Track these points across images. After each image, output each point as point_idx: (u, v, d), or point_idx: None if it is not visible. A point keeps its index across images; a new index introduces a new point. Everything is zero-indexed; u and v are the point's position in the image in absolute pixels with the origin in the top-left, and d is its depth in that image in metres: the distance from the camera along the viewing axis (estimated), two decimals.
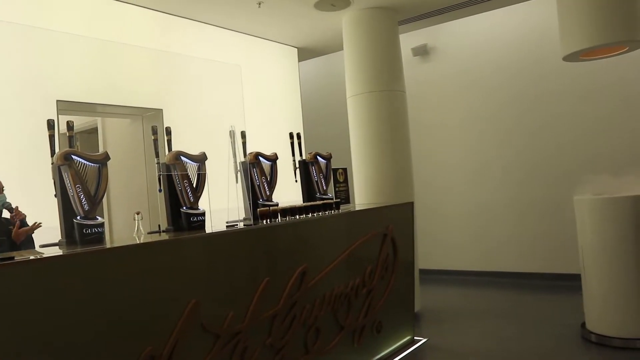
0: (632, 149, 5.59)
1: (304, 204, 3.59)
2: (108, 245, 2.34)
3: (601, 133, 5.82)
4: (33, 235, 3.23)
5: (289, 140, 4.14)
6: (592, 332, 4.08)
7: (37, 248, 3.03)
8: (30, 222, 3.27)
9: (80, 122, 5.70)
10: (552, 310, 5.08)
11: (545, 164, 6.22)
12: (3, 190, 3.21)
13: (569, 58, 4.26)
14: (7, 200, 3.20)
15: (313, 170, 4.05)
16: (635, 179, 4.09)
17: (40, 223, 3.11)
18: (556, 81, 6.10)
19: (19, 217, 3.18)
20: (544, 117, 6.22)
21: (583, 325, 4.24)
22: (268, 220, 3.18)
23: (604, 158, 5.70)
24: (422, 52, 7.07)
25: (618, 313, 3.94)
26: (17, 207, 3.20)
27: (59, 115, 4.14)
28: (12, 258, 1.91)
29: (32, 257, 2.01)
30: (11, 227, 3.17)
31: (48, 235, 2.82)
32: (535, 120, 6.29)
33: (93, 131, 5.86)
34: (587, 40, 4.00)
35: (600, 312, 4.05)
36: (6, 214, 3.23)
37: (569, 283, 5.70)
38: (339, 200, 4.03)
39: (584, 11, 4.00)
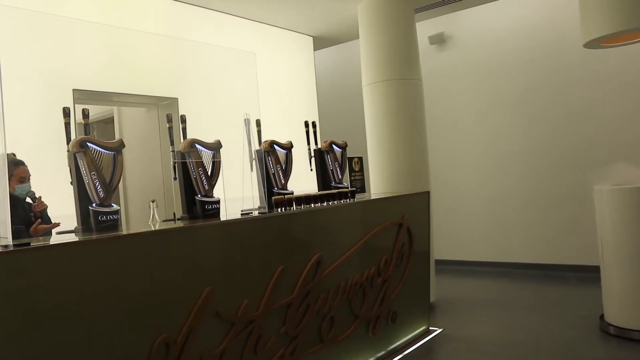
0: None
1: (319, 192, 3.57)
2: (123, 233, 2.35)
3: (621, 123, 5.70)
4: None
5: (304, 129, 4.11)
6: (610, 325, 4.02)
7: (53, 235, 3.05)
8: (48, 210, 3.29)
9: (97, 111, 5.74)
10: (570, 301, 5.02)
11: (564, 154, 6.12)
12: (29, 179, 3.24)
13: (589, 45, 4.17)
14: (32, 190, 3.22)
15: (328, 159, 4.02)
16: None
17: (59, 223, 3.12)
18: (577, 70, 5.99)
19: (40, 207, 3.19)
20: (563, 107, 6.12)
21: (602, 317, 4.18)
22: (283, 208, 3.17)
23: (624, 148, 5.59)
24: (438, 40, 6.99)
25: (638, 305, 3.87)
26: (40, 197, 3.21)
27: (75, 104, 4.16)
28: (28, 244, 1.92)
29: (47, 244, 2.01)
30: (31, 213, 3.19)
31: (64, 223, 2.84)
32: (554, 110, 6.18)
33: (109, 121, 5.89)
34: (608, 26, 3.89)
35: (620, 304, 3.98)
36: (30, 201, 3.26)
37: (588, 275, 5.63)
38: (354, 189, 4.00)
39: None
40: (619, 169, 4.12)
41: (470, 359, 3.83)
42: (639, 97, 5.60)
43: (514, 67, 6.47)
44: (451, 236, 6.90)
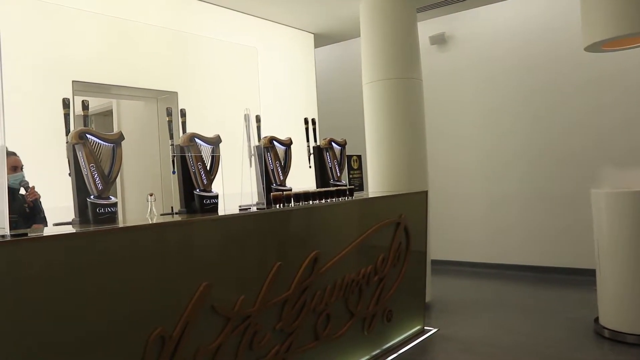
0: None
1: (318, 189, 3.57)
2: (121, 225, 2.34)
3: (621, 126, 5.71)
4: (46, 214, 3.25)
5: (303, 126, 4.11)
6: (605, 328, 4.03)
7: (50, 226, 3.04)
8: (45, 201, 3.27)
9: (96, 104, 5.72)
10: (565, 304, 5.03)
11: (563, 156, 6.13)
12: (22, 168, 3.22)
13: (590, 48, 4.17)
14: (25, 179, 3.20)
15: (327, 157, 4.01)
16: None
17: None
18: (577, 74, 5.99)
19: (32, 197, 3.17)
20: (563, 110, 6.12)
21: (596, 320, 4.19)
22: (281, 205, 3.16)
23: (623, 152, 5.59)
24: (439, 40, 6.99)
25: (632, 309, 3.88)
26: (33, 187, 3.19)
27: (75, 96, 4.14)
28: (25, 234, 1.91)
29: (44, 234, 2.01)
30: (26, 205, 3.18)
31: (61, 214, 2.83)
32: (554, 112, 6.19)
33: (108, 114, 5.88)
34: (609, 30, 3.89)
35: (614, 307, 3.99)
36: (24, 192, 3.24)
37: (584, 278, 5.63)
38: (352, 187, 4.00)
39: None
40: (617, 172, 4.13)
41: (464, 359, 3.83)
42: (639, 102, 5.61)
43: (514, 70, 6.47)
44: (448, 236, 6.91)
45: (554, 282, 5.89)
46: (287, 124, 5.62)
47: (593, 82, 5.89)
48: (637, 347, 3.78)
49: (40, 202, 3.25)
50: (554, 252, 6.20)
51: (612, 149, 5.69)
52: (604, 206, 4.03)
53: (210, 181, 2.93)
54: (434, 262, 5.69)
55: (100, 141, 2.44)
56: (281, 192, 3.21)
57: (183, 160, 2.89)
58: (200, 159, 2.89)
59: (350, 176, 4.36)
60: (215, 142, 2.99)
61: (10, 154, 3.18)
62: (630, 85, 5.66)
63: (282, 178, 3.48)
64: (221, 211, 2.94)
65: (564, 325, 4.37)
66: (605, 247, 4.03)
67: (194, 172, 2.87)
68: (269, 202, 3.21)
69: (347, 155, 4.28)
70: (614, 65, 5.68)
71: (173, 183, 2.98)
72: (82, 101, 2.73)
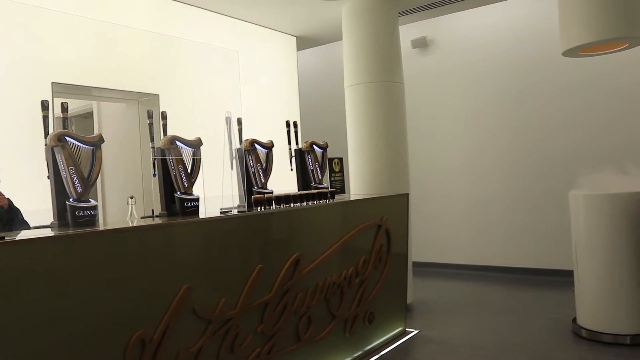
0: (632, 146, 5.58)
1: (299, 192, 3.58)
2: (100, 228, 2.33)
3: (602, 130, 5.80)
4: (25, 217, 3.20)
5: (285, 129, 4.11)
6: (582, 327, 4.09)
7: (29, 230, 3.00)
8: (24, 204, 3.21)
9: (76, 106, 5.66)
10: (543, 305, 5.10)
11: (542, 159, 6.21)
12: None
13: (568, 53, 4.25)
14: None
15: (309, 159, 4.03)
16: (631, 176, 4.09)
17: None
18: (560, 77, 6.06)
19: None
20: (545, 113, 6.21)
21: (574, 320, 4.25)
22: (262, 207, 3.16)
23: (605, 155, 5.68)
24: (421, 44, 7.04)
25: (609, 309, 3.95)
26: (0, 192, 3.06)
27: (54, 98, 4.10)
28: (3, 238, 1.89)
29: (22, 238, 1.99)
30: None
31: (40, 217, 2.80)
32: (536, 116, 6.27)
33: (88, 115, 5.82)
34: (586, 35, 3.97)
35: (592, 307, 4.06)
36: None
37: (562, 279, 5.72)
38: (334, 189, 4.02)
39: (584, 6, 3.98)
40: (595, 175, 4.19)
41: None
42: (620, 107, 5.71)
43: (496, 73, 6.54)
44: (429, 238, 6.96)
45: (535, 284, 5.96)
46: (268, 126, 5.62)
47: (574, 86, 5.98)
48: (613, 346, 3.85)
49: (15, 207, 3.16)
50: (535, 254, 6.28)
51: (594, 153, 5.77)
52: (582, 208, 4.10)
53: (191, 184, 2.93)
54: (416, 264, 5.73)
55: (79, 144, 2.43)
56: (262, 195, 3.21)
57: (164, 163, 2.88)
58: (181, 161, 2.88)
59: (332, 179, 4.38)
60: (196, 144, 2.99)
61: None
62: (611, 90, 5.75)
63: (263, 181, 3.49)
64: (202, 214, 2.94)
65: (543, 325, 4.43)
66: (582, 249, 4.09)
67: (175, 175, 2.87)
68: (250, 205, 3.22)
69: (329, 158, 4.30)
70: (595, 71, 5.77)
71: (154, 186, 2.97)
72: (62, 103, 2.71)
